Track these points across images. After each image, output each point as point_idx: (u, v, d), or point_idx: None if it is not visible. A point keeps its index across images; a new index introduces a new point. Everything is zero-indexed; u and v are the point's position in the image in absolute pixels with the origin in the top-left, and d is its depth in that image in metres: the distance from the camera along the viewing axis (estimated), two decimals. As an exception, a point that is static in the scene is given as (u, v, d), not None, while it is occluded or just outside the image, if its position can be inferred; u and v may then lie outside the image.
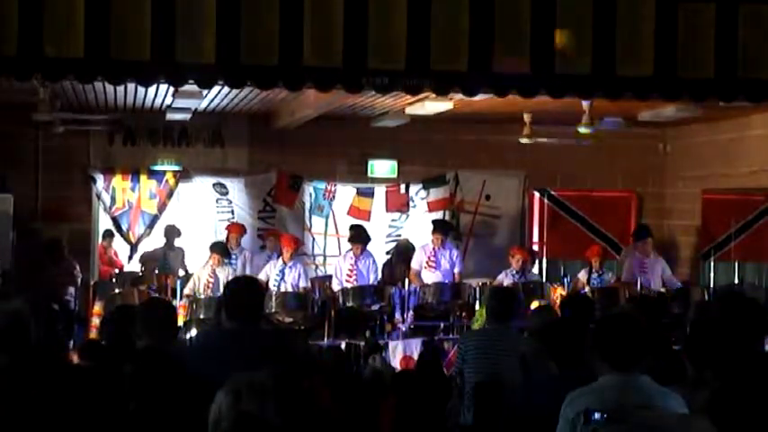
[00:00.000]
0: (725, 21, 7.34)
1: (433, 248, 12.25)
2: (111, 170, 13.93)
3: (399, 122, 13.02)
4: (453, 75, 7.22)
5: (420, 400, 7.41)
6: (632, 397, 4.04)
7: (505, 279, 11.86)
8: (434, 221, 12.94)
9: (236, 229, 12.97)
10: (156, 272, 12.64)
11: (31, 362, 4.42)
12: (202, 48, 6.80)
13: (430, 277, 12.04)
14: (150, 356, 4.68)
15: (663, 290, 12.04)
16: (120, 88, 10.74)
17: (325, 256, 14.43)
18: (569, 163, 14.24)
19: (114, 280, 12.70)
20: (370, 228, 13.10)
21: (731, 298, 6.19)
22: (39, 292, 11.34)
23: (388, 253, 13.91)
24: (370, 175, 14.61)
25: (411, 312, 11.34)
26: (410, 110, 11.55)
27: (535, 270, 13.30)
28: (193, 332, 10.33)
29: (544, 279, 13.15)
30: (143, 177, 13.98)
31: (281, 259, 11.93)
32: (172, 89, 10.07)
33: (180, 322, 9.73)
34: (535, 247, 14.42)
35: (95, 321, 11.44)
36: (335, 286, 12.05)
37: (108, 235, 13.72)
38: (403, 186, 14.67)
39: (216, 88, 9.87)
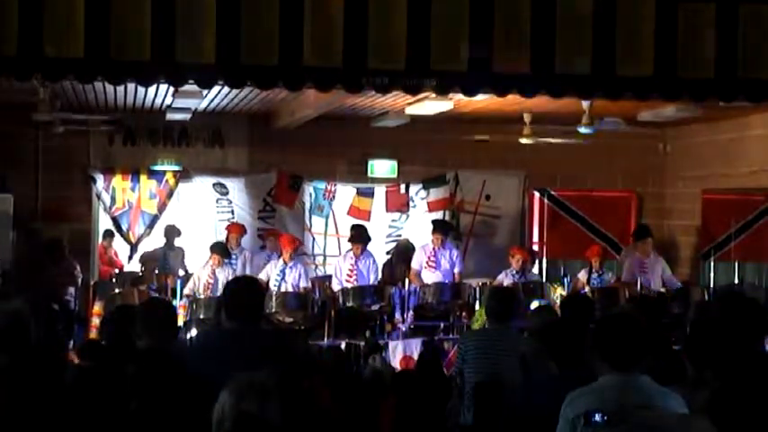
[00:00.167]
0: (725, 21, 7.33)
1: (433, 248, 12.24)
2: (111, 170, 13.93)
3: (399, 122, 13.02)
4: (453, 75, 7.22)
5: (420, 400, 7.41)
6: (632, 397, 4.04)
7: (505, 279, 11.85)
8: (434, 221, 12.94)
9: (236, 229, 12.97)
10: (156, 272, 12.64)
11: (31, 362, 4.42)
12: (202, 48, 6.80)
13: (430, 277, 12.04)
14: (152, 357, 4.68)
15: (663, 290, 12.04)
16: (120, 88, 10.74)
17: (325, 256, 14.44)
18: (569, 163, 14.24)
19: (114, 280, 12.70)
20: (371, 228, 13.09)
21: (731, 298, 6.19)
22: (39, 292, 11.34)
23: (388, 253, 13.91)
24: (370, 175, 14.61)
25: (411, 312, 11.34)
26: (410, 110, 11.55)
27: (535, 270, 13.29)
28: (193, 332, 10.33)
29: (544, 279, 13.15)
30: (143, 177, 13.99)
31: (281, 259, 11.93)
32: (172, 89, 10.07)
33: (180, 322, 9.74)
34: (535, 247, 14.42)
35: (95, 321, 11.44)
36: (335, 286, 12.05)
37: (108, 235, 13.72)
38: (403, 186, 14.68)
39: (216, 88, 9.87)
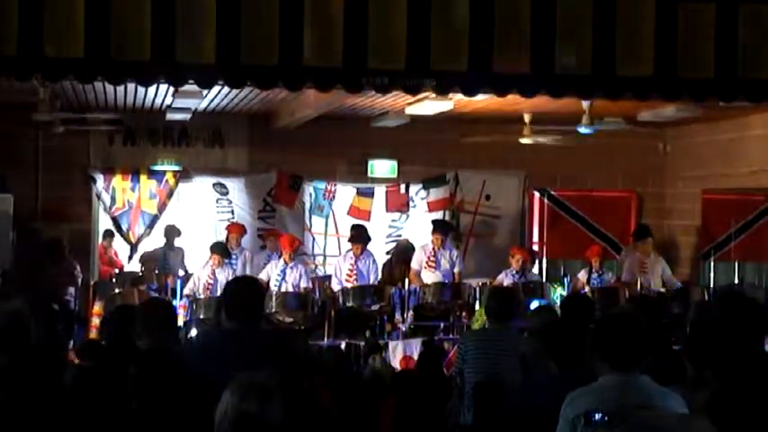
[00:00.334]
0: (725, 21, 7.33)
1: (433, 248, 12.24)
2: (111, 170, 13.93)
3: (399, 122, 13.02)
4: (453, 75, 7.22)
5: (420, 400, 7.41)
6: (632, 397, 4.04)
7: (505, 279, 11.85)
8: (434, 221, 12.94)
9: (235, 229, 12.97)
10: (156, 272, 12.64)
11: (31, 362, 4.42)
12: (202, 48, 6.80)
13: (430, 277, 12.04)
14: (153, 357, 4.68)
15: (663, 290, 12.04)
16: (120, 88, 10.74)
17: (325, 256, 14.44)
18: (569, 163, 14.23)
19: (114, 280, 12.70)
20: (371, 228, 13.09)
21: (731, 298, 6.19)
22: (39, 292, 11.34)
23: (388, 253, 13.90)
24: (370, 175, 14.61)
25: (411, 312, 11.34)
26: (410, 110, 11.55)
27: (535, 270, 13.29)
28: (193, 332, 10.33)
29: (544, 279, 13.16)
30: (143, 177, 13.99)
31: (282, 259, 11.93)
32: (172, 89, 10.07)
33: (180, 322, 9.75)
34: (535, 247, 14.42)
35: (95, 321, 11.44)
36: (335, 286, 12.05)
37: (108, 235, 13.72)
38: (403, 186, 14.68)
39: (216, 88, 9.87)
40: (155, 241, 13.74)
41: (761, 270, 13.87)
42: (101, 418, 4.41)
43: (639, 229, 13.49)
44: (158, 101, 12.19)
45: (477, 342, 7.11)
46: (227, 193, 14.23)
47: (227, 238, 12.72)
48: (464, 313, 11.41)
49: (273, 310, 10.91)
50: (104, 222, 13.94)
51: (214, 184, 14.21)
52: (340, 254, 13.58)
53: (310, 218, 14.50)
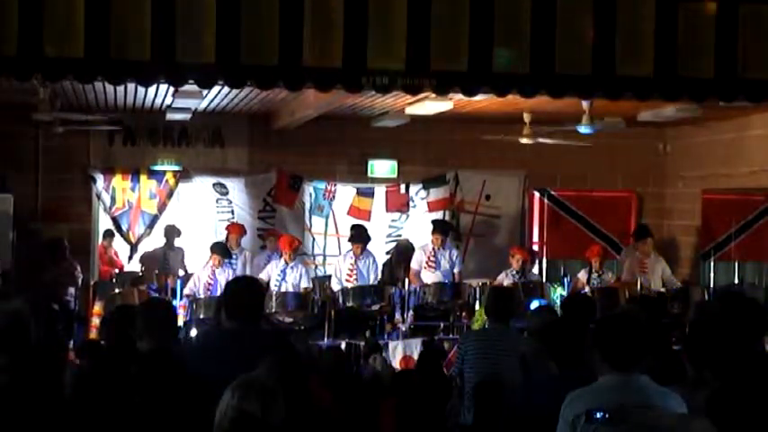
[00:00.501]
0: (725, 21, 7.34)
1: (433, 248, 12.24)
2: (111, 170, 13.93)
3: (399, 122, 13.02)
4: (453, 75, 7.22)
5: (420, 400, 7.41)
6: (632, 397, 4.04)
7: (505, 279, 11.85)
8: (434, 221, 12.94)
9: (235, 229, 12.97)
10: (156, 272, 12.64)
11: (31, 362, 4.42)
12: (202, 48, 6.80)
13: (430, 277, 12.04)
14: (153, 357, 4.69)
15: (663, 290, 12.04)
16: (120, 88, 10.74)
17: (325, 256, 14.44)
18: (569, 163, 14.23)
19: (114, 280, 12.70)
20: (371, 228, 13.10)
21: (731, 298, 6.19)
22: (39, 292, 11.34)
23: (388, 253, 13.90)
24: (370, 175, 14.61)
25: (411, 312, 11.34)
26: (410, 110, 11.55)
27: (535, 270, 13.29)
28: (193, 332, 10.33)
29: (544, 279, 13.16)
30: (143, 177, 13.99)
31: (282, 259, 11.93)
32: (172, 89, 10.07)
33: (180, 322, 9.75)
34: (535, 247, 14.42)
35: (95, 321, 11.44)
36: (335, 286, 12.05)
37: (108, 235, 13.72)
38: (403, 186, 14.68)
39: (216, 88, 9.87)
40: (155, 241, 13.74)
41: (761, 270, 13.88)
42: (101, 418, 4.41)
43: (639, 229, 13.49)
44: (158, 101, 12.19)
45: (477, 342, 7.11)
46: (227, 193, 14.23)
47: (227, 238, 12.72)
48: (464, 313, 11.41)
49: (273, 310, 10.92)
50: (104, 222, 13.94)
51: (214, 184, 14.20)
52: (340, 254, 13.58)
53: (310, 218, 14.50)
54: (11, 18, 6.58)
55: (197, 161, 14.18)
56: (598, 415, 3.95)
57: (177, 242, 13.35)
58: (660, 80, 7.39)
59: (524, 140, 12.36)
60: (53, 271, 12.53)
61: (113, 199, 13.92)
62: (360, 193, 14.59)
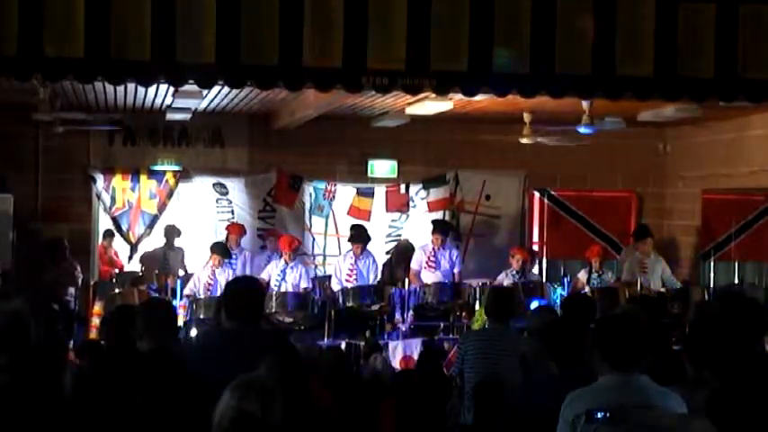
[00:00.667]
0: (725, 21, 7.34)
1: (433, 248, 12.25)
2: (111, 170, 13.93)
3: (399, 122, 13.02)
4: (453, 75, 7.22)
5: (420, 400, 7.41)
6: (632, 397, 4.05)
7: (505, 279, 11.85)
8: (434, 221, 12.94)
9: (235, 229, 12.97)
10: (156, 272, 12.64)
11: (31, 362, 4.42)
12: (202, 48, 6.80)
13: (430, 277, 12.04)
14: (154, 358, 4.69)
15: (663, 290, 12.04)
16: (120, 88, 10.73)
17: (325, 256, 14.43)
18: (569, 163, 14.23)
19: (114, 280, 12.70)
20: (371, 228, 13.10)
21: (731, 298, 6.20)
22: (39, 292, 11.34)
23: (388, 253, 13.90)
24: (370, 175, 14.61)
25: (411, 312, 11.34)
26: (410, 110, 11.55)
27: (535, 270, 13.29)
28: (193, 332, 10.33)
29: (544, 279, 13.16)
30: (143, 177, 13.98)
31: (282, 259, 11.94)
32: (172, 89, 10.07)
33: (180, 322, 9.75)
34: (535, 247, 14.42)
35: (95, 321, 11.44)
36: (335, 286, 12.05)
37: (108, 235, 13.72)
38: (403, 186, 14.67)
39: (216, 88, 9.87)
40: (155, 241, 13.74)
41: (761, 270, 13.87)
42: (101, 418, 4.41)
43: (639, 229, 13.49)
44: (158, 101, 12.19)
45: (477, 342, 7.11)
46: (227, 193, 14.23)
47: (226, 239, 12.72)
48: (464, 313, 11.41)
49: (273, 310, 10.92)
50: (104, 222, 13.93)
51: (214, 184, 14.20)
52: (340, 254, 13.58)
53: (310, 218, 14.50)
54: (11, 18, 6.58)
55: (197, 161, 14.18)
56: (599, 415, 3.95)
57: (177, 242, 13.35)
58: (660, 80, 7.39)
59: (524, 140, 12.36)
60: (53, 271, 12.53)
61: (113, 199, 13.92)
62: (360, 193, 14.59)
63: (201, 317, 10.71)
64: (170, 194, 14.06)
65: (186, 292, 11.58)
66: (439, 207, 14.64)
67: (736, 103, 7.99)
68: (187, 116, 12.66)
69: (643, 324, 4.27)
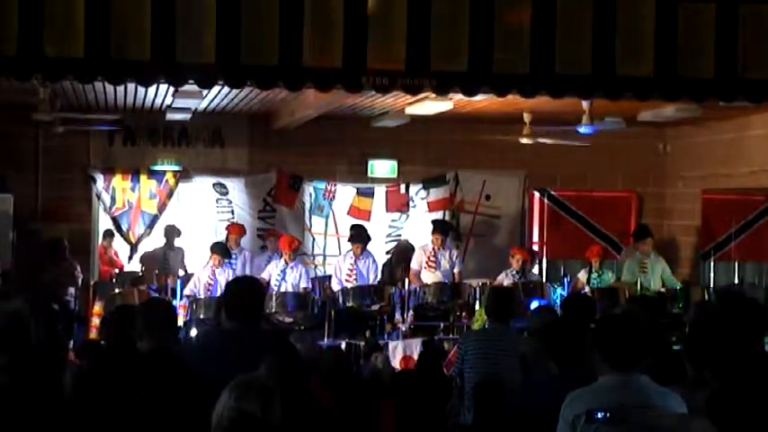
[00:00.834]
0: (725, 21, 7.34)
1: (433, 248, 12.24)
2: (111, 170, 13.93)
3: (399, 122, 13.02)
4: (453, 75, 7.22)
5: (420, 400, 7.41)
6: (632, 397, 4.05)
7: (505, 279, 11.85)
8: (434, 221, 12.94)
9: (235, 229, 12.96)
10: (156, 272, 12.64)
11: (31, 362, 4.42)
12: (202, 48, 6.81)
13: (430, 277, 12.04)
14: (154, 358, 4.68)
15: (663, 290, 12.04)
16: (120, 88, 10.74)
17: (325, 256, 14.43)
18: (569, 163, 14.23)
19: (114, 280, 12.70)
20: (371, 228, 13.10)
21: (731, 298, 6.20)
22: (39, 292, 11.34)
23: (388, 253, 13.90)
24: (370, 175, 14.61)
25: (411, 312, 11.34)
26: (410, 110, 11.55)
27: (535, 270, 13.29)
28: (193, 332, 10.33)
29: (544, 279, 13.16)
30: (143, 177, 13.98)
31: (282, 259, 11.94)
32: (172, 89, 10.07)
33: (180, 322, 9.75)
34: (535, 247, 14.42)
35: (95, 321, 11.44)
36: (335, 286, 12.05)
37: (108, 235, 13.72)
38: (403, 186, 14.67)
39: (216, 88, 9.87)
40: (155, 241, 13.73)
41: (761, 270, 13.87)
42: (101, 418, 4.41)
43: (639, 229, 13.49)
44: (158, 101, 12.19)
45: (477, 342, 7.11)
46: (227, 193, 14.23)
47: (226, 239, 12.72)
48: (464, 313, 11.41)
49: (273, 310, 10.92)
50: (104, 222, 13.93)
51: (214, 184, 14.20)
52: (340, 254, 13.58)
53: (310, 218, 14.50)
54: (11, 18, 6.59)
55: (197, 161, 14.18)
56: (599, 415, 3.95)
57: (177, 242, 13.35)
58: (660, 80, 7.39)
59: (524, 140, 12.36)
60: (53, 271, 12.53)
61: (113, 199, 13.92)
62: (360, 193, 14.59)
63: (201, 317, 10.71)
64: (170, 194, 14.06)
65: (186, 292, 11.59)
66: (439, 207, 14.64)
67: (736, 103, 7.99)
68: (187, 116, 12.66)
69: (643, 324, 4.27)
